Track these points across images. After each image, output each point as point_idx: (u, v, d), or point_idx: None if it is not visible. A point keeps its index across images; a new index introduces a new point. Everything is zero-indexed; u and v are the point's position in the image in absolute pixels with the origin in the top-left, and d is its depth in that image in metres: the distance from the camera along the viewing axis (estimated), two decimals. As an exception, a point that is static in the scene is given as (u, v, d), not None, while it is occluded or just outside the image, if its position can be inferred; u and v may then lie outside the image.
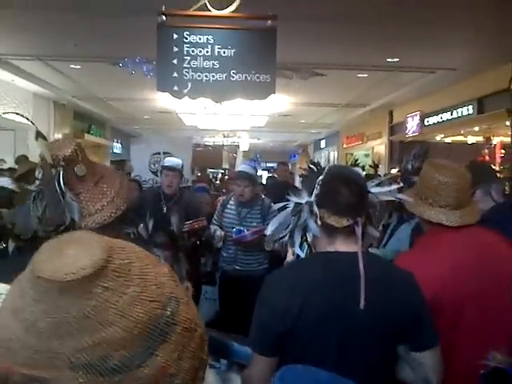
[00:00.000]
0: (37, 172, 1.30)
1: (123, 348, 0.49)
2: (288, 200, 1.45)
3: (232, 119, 12.14)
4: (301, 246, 1.41)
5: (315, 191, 1.37)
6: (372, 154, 12.79)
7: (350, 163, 5.82)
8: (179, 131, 14.86)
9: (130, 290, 0.51)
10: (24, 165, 4.32)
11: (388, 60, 6.79)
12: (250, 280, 3.48)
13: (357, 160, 5.41)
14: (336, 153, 16.61)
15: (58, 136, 10.70)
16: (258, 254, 3.72)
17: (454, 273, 1.67)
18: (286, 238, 1.41)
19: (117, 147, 16.04)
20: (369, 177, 4.89)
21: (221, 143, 16.48)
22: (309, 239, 1.40)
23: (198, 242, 4.08)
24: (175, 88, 4.05)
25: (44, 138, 1.32)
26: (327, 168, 1.41)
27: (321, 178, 1.38)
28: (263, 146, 22.37)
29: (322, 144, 18.78)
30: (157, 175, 5.94)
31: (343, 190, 1.36)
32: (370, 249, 1.55)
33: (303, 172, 1.68)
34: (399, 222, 2.63)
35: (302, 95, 9.65)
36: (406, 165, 2.44)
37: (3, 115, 7.70)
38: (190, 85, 4.03)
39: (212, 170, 15.87)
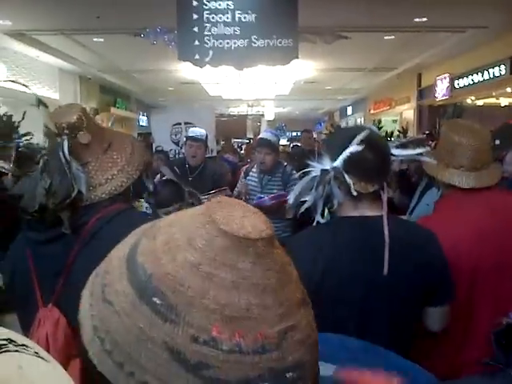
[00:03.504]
0: (43, 142, 1.23)
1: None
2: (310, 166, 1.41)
3: (256, 88, 12.01)
4: (323, 212, 1.38)
5: (343, 157, 1.32)
6: (400, 119, 12.51)
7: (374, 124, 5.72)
8: (204, 102, 14.82)
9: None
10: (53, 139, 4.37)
11: (415, 20, 6.54)
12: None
13: (380, 123, 5.26)
14: (363, 119, 16.31)
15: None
16: (279, 222, 3.71)
17: (469, 236, 1.63)
18: (308, 204, 1.38)
19: (143, 120, 16.15)
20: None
21: (245, 113, 16.36)
22: (334, 206, 1.36)
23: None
24: (196, 56, 4.02)
25: (45, 105, 1.25)
26: (361, 137, 1.33)
27: (355, 148, 1.31)
28: (288, 115, 22.13)
29: (349, 110, 18.45)
30: (178, 146, 5.92)
31: (369, 156, 1.32)
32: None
33: (326, 137, 1.63)
34: (427, 187, 2.57)
35: (326, 60, 9.44)
36: (440, 128, 2.36)
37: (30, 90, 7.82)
38: (211, 53, 3.99)
39: (237, 140, 15.83)
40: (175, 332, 0.49)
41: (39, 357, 0.58)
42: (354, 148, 1.31)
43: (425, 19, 6.51)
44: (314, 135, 8.52)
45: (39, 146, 4.98)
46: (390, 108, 13.28)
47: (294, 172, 3.83)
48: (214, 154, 6.30)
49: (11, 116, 3.26)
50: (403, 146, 1.45)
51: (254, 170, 3.96)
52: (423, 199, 2.42)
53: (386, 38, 7.53)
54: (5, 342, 0.55)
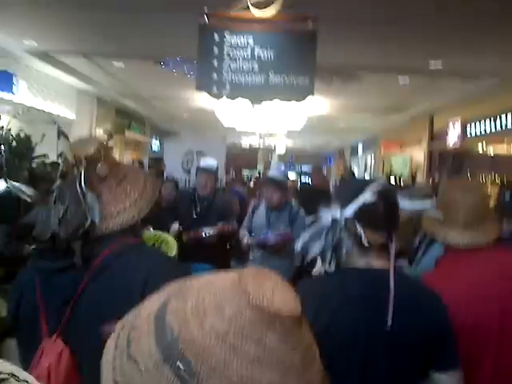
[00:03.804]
0: (58, 172, 1.26)
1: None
2: (317, 212, 1.42)
3: (269, 122, 12.15)
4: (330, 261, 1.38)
5: (355, 207, 1.33)
6: (411, 161, 12.54)
7: (385, 171, 5.75)
8: (217, 131, 15.00)
9: None
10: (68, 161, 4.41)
11: (430, 65, 6.63)
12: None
13: (391, 168, 5.29)
14: (373, 158, 16.38)
15: (100, 131, 10.98)
16: (284, 259, 3.70)
17: (467, 295, 1.60)
18: (316, 252, 1.38)
19: (156, 144, 16.33)
20: (406, 187, 4.78)
21: (257, 145, 16.50)
22: (343, 255, 1.36)
23: (229, 246, 4.10)
24: (214, 89, 4.08)
25: (66, 137, 1.29)
26: (373, 188, 1.35)
27: (368, 198, 1.32)
28: (299, 149, 22.29)
29: (360, 149, 18.56)
30: (189, 174, 5.99)
31: (379, 207, 1.33)
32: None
33: (339, 179, 1.64)
34: (434, 239, 2.55)
35: (340, 99, 9.57)
36: (441, 180, 2.37)
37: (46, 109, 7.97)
38: (228, 86, 4.05)
39: (246, 172, 15.93)
40: None
41: None
42: (366, 198, 1.32)
43: (440, 64, 6.60)
44: (324, 171, 8.57)
45: (52, 165, 5.03)
46: (400, 149, 13.34)
47: (301, 210, 3.84)
48: (223, 184, 6.34)
49: (30, 137, 3.31)
50: (410, 198, 1.47)
51: (262, 206, 3.97)
52: (430, 250, 2.40)
53: (400, 80, 7.64)
54: (7, 377, 0.56)
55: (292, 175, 20.76)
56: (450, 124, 9.71)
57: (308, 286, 1.41)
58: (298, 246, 1.40)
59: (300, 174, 21.82)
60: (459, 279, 1.65)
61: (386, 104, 10.13)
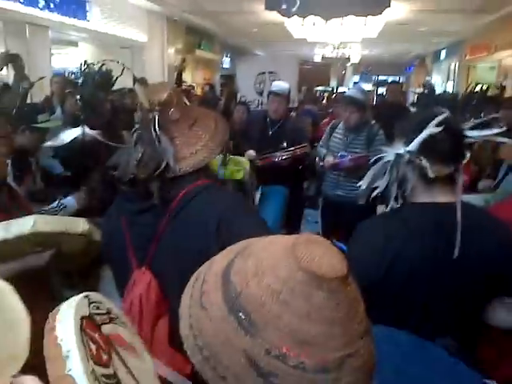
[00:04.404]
0: (136, 116, 1.34)
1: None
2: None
3: (343, 30, 11.49)
4: (396, 197, 1.39)
5: (419, 140, 1.31)
6: (499, 67, 11.48)
7: (470, 84, 5.35)
8: (287, 44, 14.48)
9: None
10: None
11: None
12: (351, 205, 3.50)
13: (478, 84, 4.91)
14: (457, 65, 15.17)
15: (171, 51, 11.02)
16: (355, 182, 3.68)
17: None
18: (381, 189, 1.39)
19: (226, 62, 16.19)
20: (493, 99, 4.41)
21: (330, 56, 15.79)
22: (408, 190, 1.37)
23: (301, 167, 4.15)
24: (284, 6, 3.97)
25: (142, 82, 1.34)
26: (437, 119, 1.31)
27: (432, 130, 1.29)
28: (375, 58, 21.07)
29: (442, 55, 17.20)
30: (261, 95, 5.99)
31: (444, 138, 1.30)
32: (468, 196, 1.47)
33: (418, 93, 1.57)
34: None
35: (422, 1, 8.80)
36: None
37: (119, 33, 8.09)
38: (298, 2, 3.89)
39: (319, 88, 15.41)
40: (253, 344, 0.59)
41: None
42: (431, 130, 1.30)
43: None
44: (402, 79, 8.08)
45: (129, 93, 5.19)
46: (487, 54, 12.19)
47: (381, 132, 3.74)
48: (295, 104, 6.28)
49: (111, 71, 3.40)
50: (477, 127, 1.41)
51: (340, 126, 3.90)
52: (508, 176, 2.31)
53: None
54: (114, 316, 0.76)
55: (368, 86, 19.85)
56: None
57: (373, 225, 1.44)
58: (364, 184, 1.42)
59: (376, 84, 20.79)
60: None
61: (474, 5, 9.17)
